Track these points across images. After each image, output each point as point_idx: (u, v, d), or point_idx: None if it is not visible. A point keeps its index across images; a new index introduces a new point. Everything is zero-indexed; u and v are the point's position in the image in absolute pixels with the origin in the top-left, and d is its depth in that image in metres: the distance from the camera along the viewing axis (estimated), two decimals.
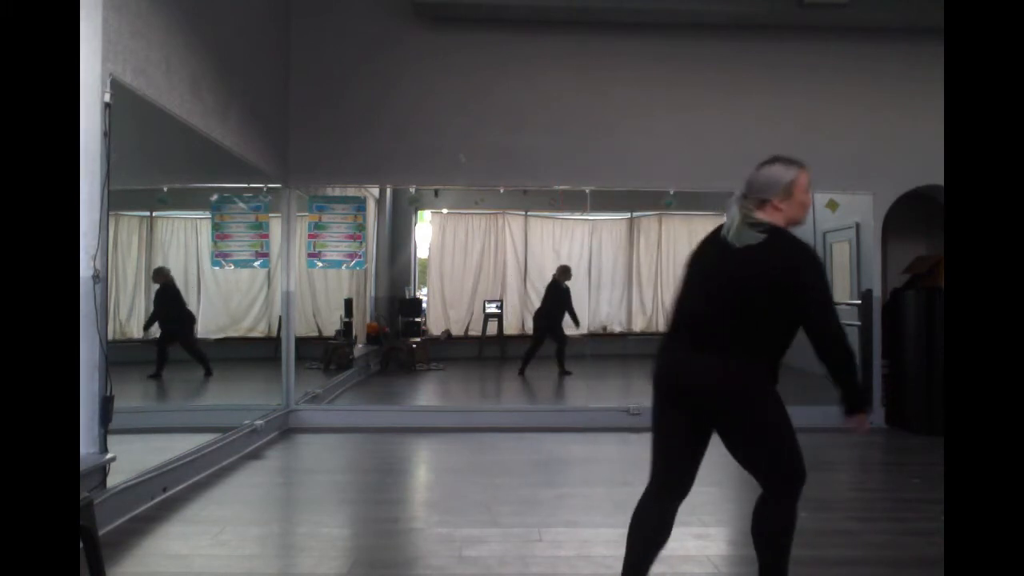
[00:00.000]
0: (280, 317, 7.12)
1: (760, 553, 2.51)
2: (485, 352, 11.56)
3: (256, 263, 6.72)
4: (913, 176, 6.70)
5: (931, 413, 6.23)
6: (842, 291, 8.90)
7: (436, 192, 9.82)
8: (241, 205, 6.51)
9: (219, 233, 6.52)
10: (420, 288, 12.31)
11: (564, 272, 9.78)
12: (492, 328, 11.63)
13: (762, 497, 2.51)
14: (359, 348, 10.00)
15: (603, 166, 6.77)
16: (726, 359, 2.37)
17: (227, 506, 4.17)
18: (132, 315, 9.17)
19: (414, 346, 10.30)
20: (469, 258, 12.03)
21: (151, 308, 8.54)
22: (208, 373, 8.29)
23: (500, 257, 12.09)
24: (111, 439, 3.70)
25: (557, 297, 9.61)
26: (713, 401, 2.41)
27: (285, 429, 6.30)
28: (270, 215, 6.61)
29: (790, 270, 2.35)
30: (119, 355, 4.08)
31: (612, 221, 12.27)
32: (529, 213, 12.04)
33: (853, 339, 7.85)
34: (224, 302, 8.97)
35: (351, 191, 7.77)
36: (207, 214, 6.69)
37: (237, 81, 5.41)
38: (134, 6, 3.94)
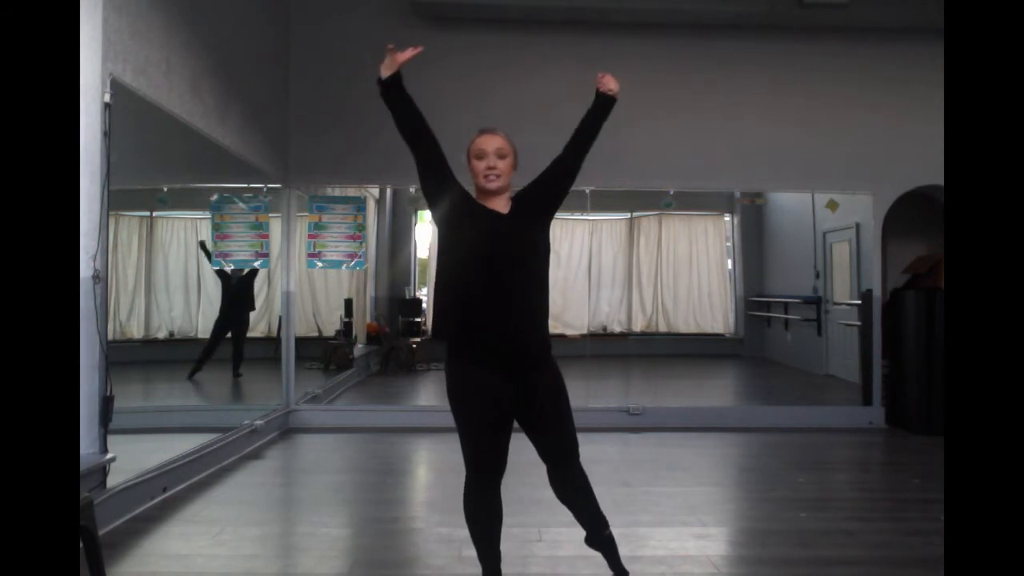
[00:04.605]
0: (280, 317, 7.12)
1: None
2: None
3: (256, 263, 6.71)
4: (913, 176, 6.69)
5: (931, 413, 6.23)
6: (842, 291, 8.92)
7: None
8: (241, 205, 6.51)
9: (219, 233, 6.51)
10: (420, 288, 12.30)
11: None
12: None
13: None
14: (359, 348, 9.99)
15: (603, 166, 6.72)
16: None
17: (227, 506, 4.17)
18: (132, 315, 9.17)
19: (414, 346, 10.29)
20: None
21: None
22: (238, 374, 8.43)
23: None
24: (111, 439, 3.70)
25: None
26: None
27: (285, 429, 6.30)
28: (270, 215, 6.60)
29: None
30: (119, 355, 4.07)
31: (612, 221, 12.26)
32: None
33: (853, 339, 7.88)
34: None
35: (351, 191, 7.76)
36: (207, 214, 6.68)
37: (237, 81, 5.40)
38: (134, 6, 3.94)
